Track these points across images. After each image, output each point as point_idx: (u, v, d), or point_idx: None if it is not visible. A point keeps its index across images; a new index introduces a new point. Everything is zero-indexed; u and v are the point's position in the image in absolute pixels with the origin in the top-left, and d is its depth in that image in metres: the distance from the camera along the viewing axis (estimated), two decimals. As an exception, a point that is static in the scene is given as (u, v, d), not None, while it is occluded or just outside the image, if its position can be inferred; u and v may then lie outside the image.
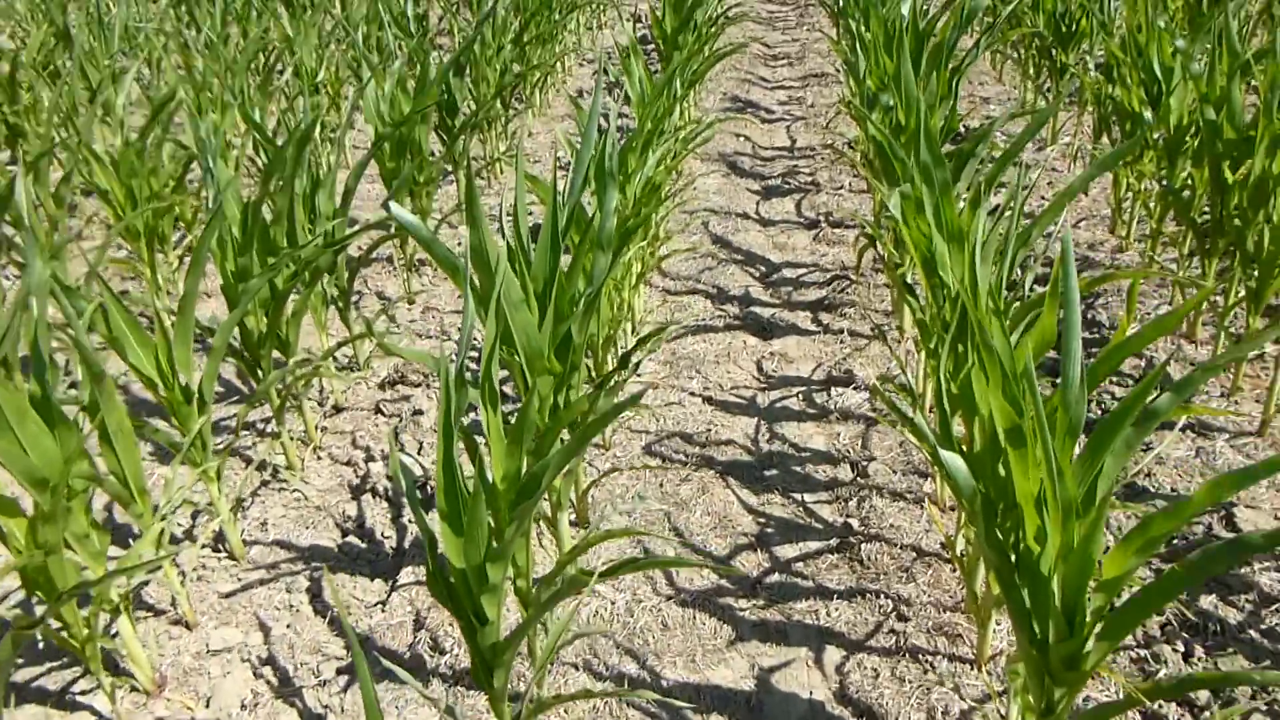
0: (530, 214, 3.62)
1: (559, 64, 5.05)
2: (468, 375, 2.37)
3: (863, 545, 2.01)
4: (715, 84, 5.33)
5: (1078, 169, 3.82)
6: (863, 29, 2.88)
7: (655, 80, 2.97)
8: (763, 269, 3.27)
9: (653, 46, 5.82)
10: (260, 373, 2.28)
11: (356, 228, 2.20)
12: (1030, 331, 1.48)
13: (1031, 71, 4.37)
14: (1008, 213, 1.78)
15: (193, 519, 2.22)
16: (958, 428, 1.65)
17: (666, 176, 2.64)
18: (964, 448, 1.52)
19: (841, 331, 2.83)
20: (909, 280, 2.57)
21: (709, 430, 2.43)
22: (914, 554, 2.00)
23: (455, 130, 3.42)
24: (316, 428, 2.53)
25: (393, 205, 1.60)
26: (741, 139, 4.53)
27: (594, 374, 2.29)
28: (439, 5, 5.80)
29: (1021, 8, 4.20)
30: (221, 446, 2.33)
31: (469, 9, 5.64)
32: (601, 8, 6.48)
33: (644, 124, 2.63)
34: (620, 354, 2.51)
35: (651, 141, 2.58)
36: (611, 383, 1.83)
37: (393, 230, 2.69)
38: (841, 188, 3.84)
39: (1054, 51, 3.98)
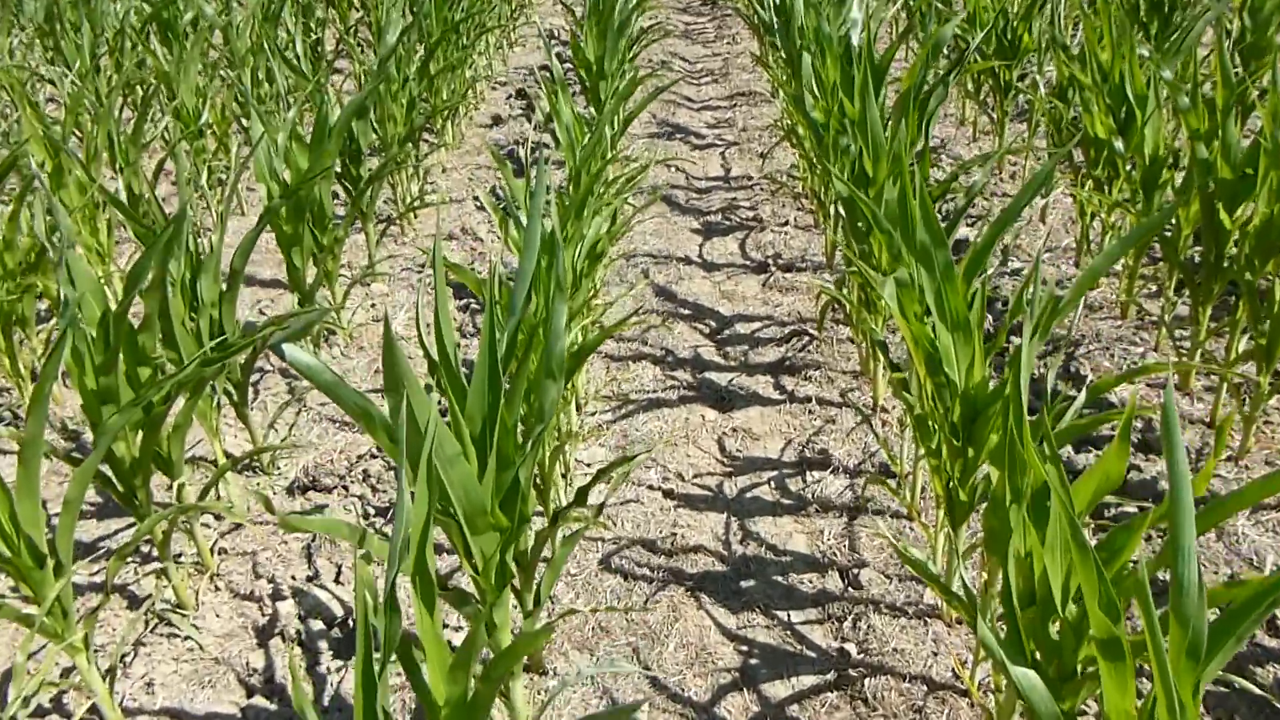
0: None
1: (469, 89, 4.68)
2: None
3: (865, 680, 1.73)
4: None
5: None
6: (808, 57, 2.61)
7: (588, 124, 2.65)
8: (713, 324, 2.98)
9: (569, 67, 5.49)
10: (137, 502, 1.89)
11: (243, 342, 1.83)
12: (1090, 473, 1.21)
13: (971, 88, 4.17)
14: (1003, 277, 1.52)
15: (58, 696, 1.83)
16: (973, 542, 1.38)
17: (611, 240, 2.33)
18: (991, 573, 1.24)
19: (808, 399, 2.55)
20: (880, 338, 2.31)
21: (674, 534, 2.12)
22: (924, 687, 1.72)
23: (361, 182, 3.05)
24: (213, 550, 2.15)
25: (288, 348, 1.26)
26: (673, 169, 4.23)
27: (539, 485, 1.96)
28: (335, 28, 5.38)
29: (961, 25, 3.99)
30: (87, 610, 1.93)
31: (369, 30, 5.23)
32: (512, 25, 6.12)
33: (579, 176, 2.31)
34: (568, 459, 2.19)
35: (588, 199, 2.26)
36: (570, 522, 1.51)
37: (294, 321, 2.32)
38: (786, 223, 3.57)
39: (996, 69, 3.78)
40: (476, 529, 1.36)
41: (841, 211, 2.40)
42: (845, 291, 2.59)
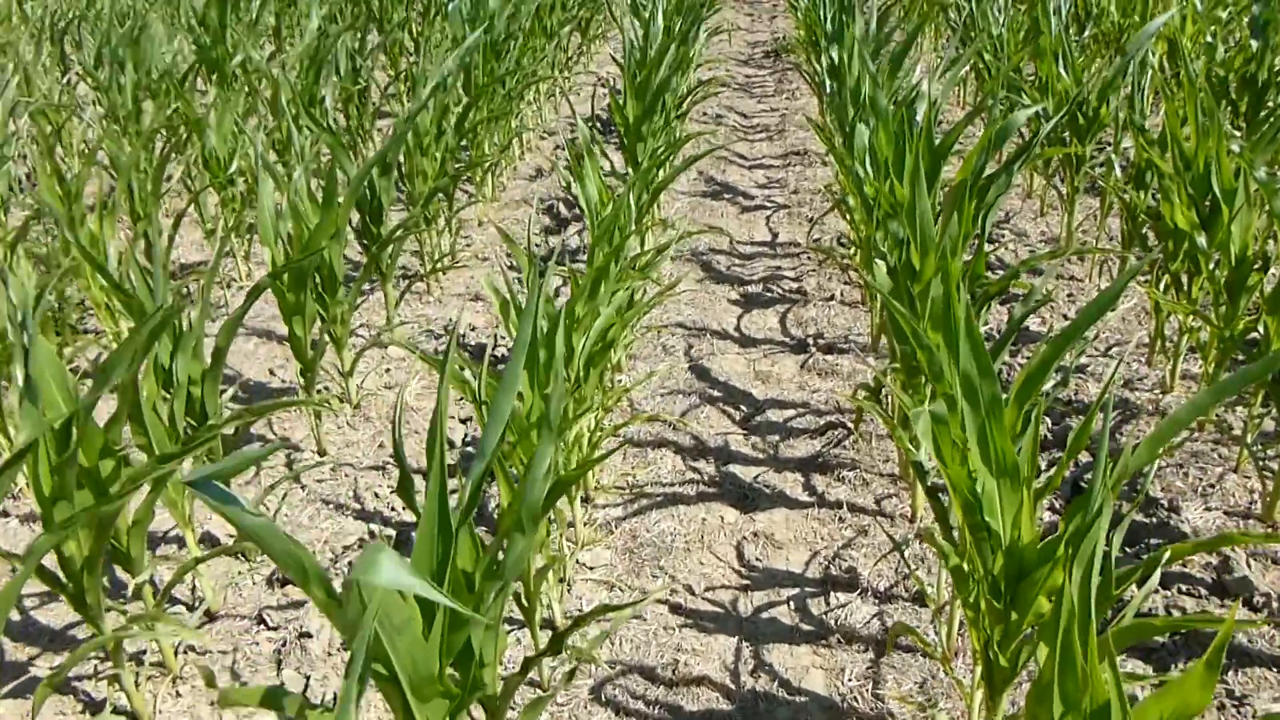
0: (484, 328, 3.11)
1: (511, 143, 4.55)
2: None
3: None
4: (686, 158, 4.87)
5: (1101, 280, 3.35)
6: (863, 129, 2.40)
7: (616, 196, 2.47)
8: (744, 409, 2.76)
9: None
10: (88, 607, 1.73)
11: (213, 428, 1.67)
12: (1163, 695, 0.97)
13: (1040, 161, 3.92)
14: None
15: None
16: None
17: (624, 325, 2.13)
18: None
19: (839, 505, 2.31)
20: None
21: (677, 660, 1.90)
22: None
23: (379, 240, 2.91)
24: (177, 650, 1.98)
25: (200, 484, 1.07)
26: (717, 232, 4.04)
27: (524, 603, 1.76)
28: (387, 73, 5.32)
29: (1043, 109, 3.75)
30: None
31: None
32: (568, 73, 6.02)
33: (594, 256, 2.12)
34: (567, 565, 1.99)
35: (602, 279, 2.08)
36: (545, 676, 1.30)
37: (227, 461, 2.16)
38: (832, 298, 3.35)
39: (1068, 140, 3.53)
40: (422, 696, 1.16)
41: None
42: (885, 393, 2.36)
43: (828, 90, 3.96)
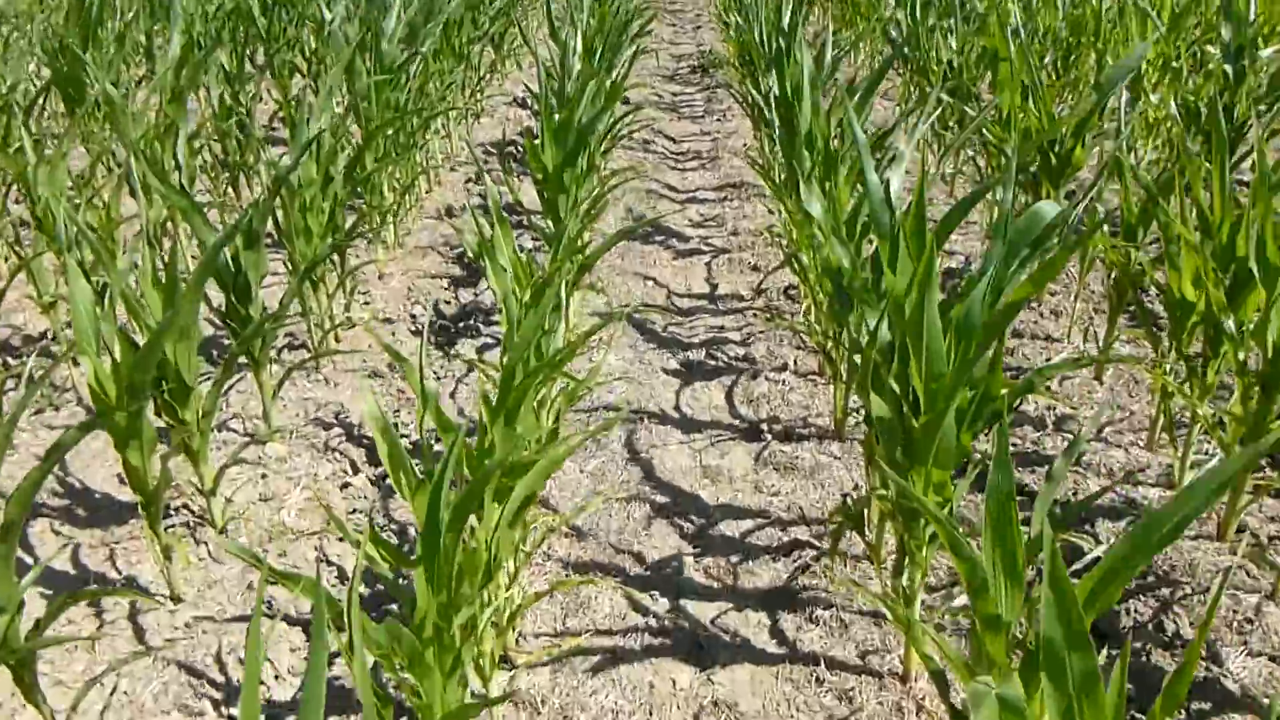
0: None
1: (412, 185, 4.05)
2: None
3: None
4: (615, 193, 4.43)
5: (1083, 342, 3.01)
6: (816, 192, 1.99)
7: (536, 279, 2.01)
8: (693, 519, 2.33)
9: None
10: None
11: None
12: None
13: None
14: None
15: None
16: None
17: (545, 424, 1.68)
18: None
19: (815, 660, 1.89)
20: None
21: None
22: None
23: (247, 325, 2.40)
24: None
25: None
26: (650, 283, 3.61)
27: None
28: (273, 98, 4.75)
29: (987, 122, 3.40)
30: None
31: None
32: (479, 96, 5.52)
33: (510, 378, 1.66)
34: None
35: (520, 408, 1.62)
36: None
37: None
38: (784, 367, 2.94)
39: (1039, 180, 3.19)
40: None
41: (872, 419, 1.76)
42: (865, 511, 1.95)
43: (767, 121, 3.56)
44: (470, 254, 2.27)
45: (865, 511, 1.91)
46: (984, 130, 3.47)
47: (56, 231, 2.59)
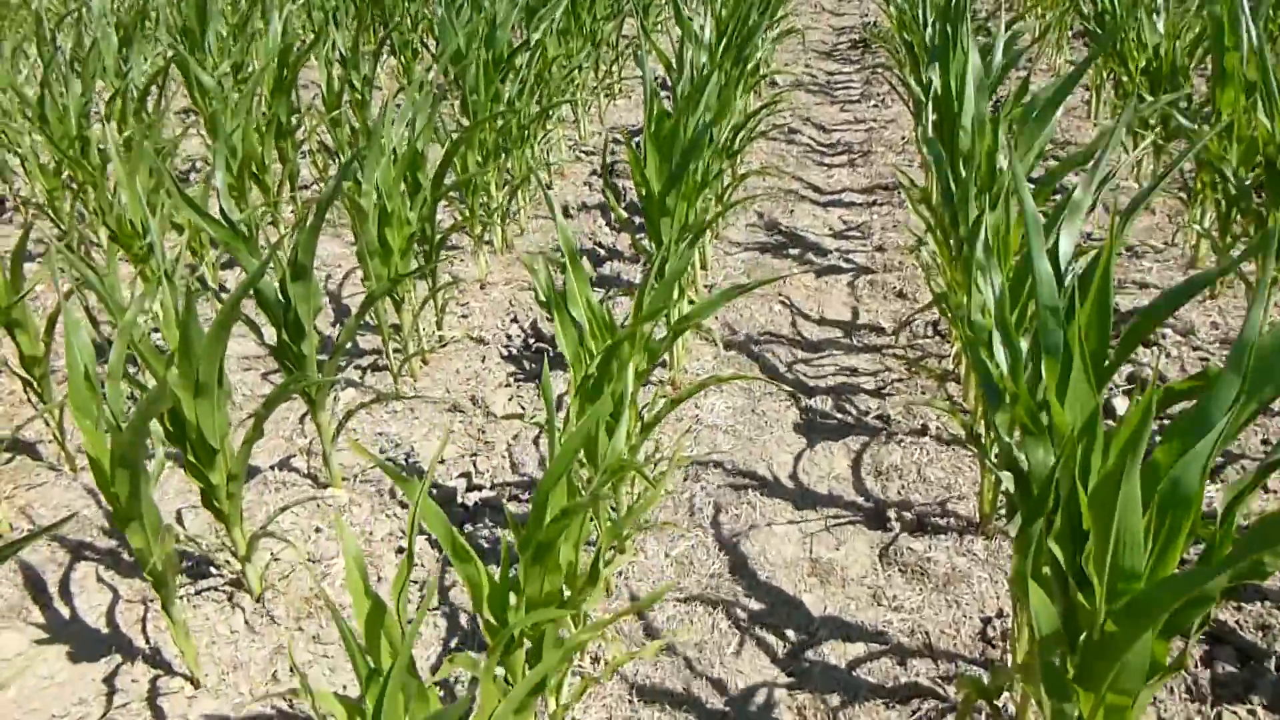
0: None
1: (522, 185, 3.72)
2: None
3: None
4: (748, 189, 3.98)
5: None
6: (989, 280, 1.52)
7: (619, 331, 1.63)
8: (792, 634, 1.91)
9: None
10: None
11: None
12: None
13: (1209, 226, 2.96)
14: None
15: None
16: None
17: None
18: None
19: None
20: None
21: None
22: None
23: (304, 363, 2.13)
24: None
25: None
26: (778, 305, 3.17)
27: None
28: (397, 81, 4.52)
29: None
30: None
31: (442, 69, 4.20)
32: (616, 74, 5.14)
33: (561, 472, 1.29)
34: None
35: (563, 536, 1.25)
36: None
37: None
38: (924, 431, 2.46)
39: (1252, 198, 2.57)
40: None
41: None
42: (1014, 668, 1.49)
43: (932, 161, 3.03)
44: (539, 298, 1.91)
45: (1007, 686, 1.45)
46: (1188, 136, 2.85)
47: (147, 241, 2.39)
